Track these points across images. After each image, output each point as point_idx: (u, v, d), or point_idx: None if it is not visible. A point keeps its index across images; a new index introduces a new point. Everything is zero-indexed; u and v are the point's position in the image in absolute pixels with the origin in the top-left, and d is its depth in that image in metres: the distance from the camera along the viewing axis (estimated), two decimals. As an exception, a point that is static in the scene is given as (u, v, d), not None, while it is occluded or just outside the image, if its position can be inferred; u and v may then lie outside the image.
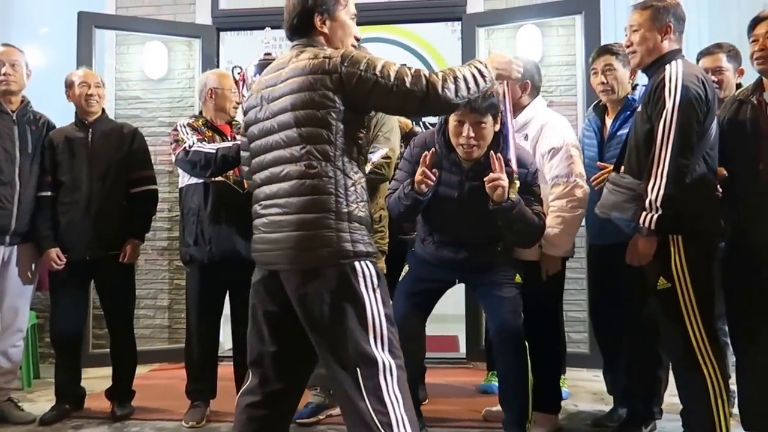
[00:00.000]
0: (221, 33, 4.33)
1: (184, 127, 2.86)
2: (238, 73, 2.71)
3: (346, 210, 1.75)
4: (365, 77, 1.73)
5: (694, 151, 2.11)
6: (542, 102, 2.84)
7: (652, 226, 2.11)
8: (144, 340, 3.88)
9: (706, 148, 2.17)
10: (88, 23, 4.00)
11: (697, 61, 2.88)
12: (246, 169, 2.11)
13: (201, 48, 4.21)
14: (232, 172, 2.83)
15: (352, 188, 1.77)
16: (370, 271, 1.76)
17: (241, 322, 2.84)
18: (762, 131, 2.26)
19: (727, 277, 2.40)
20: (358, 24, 1.95)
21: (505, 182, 2.29)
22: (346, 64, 1.74)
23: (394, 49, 4.63)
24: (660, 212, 2.09)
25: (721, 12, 4.17)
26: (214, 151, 2.74)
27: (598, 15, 3.80)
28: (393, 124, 2.74)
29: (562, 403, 2.87)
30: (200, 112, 3.05)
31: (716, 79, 2.73)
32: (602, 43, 3.69)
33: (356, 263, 1.74)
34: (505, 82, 2.22)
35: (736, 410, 2.49)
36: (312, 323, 1.74)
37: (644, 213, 2.12)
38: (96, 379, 3.35)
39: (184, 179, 2.94)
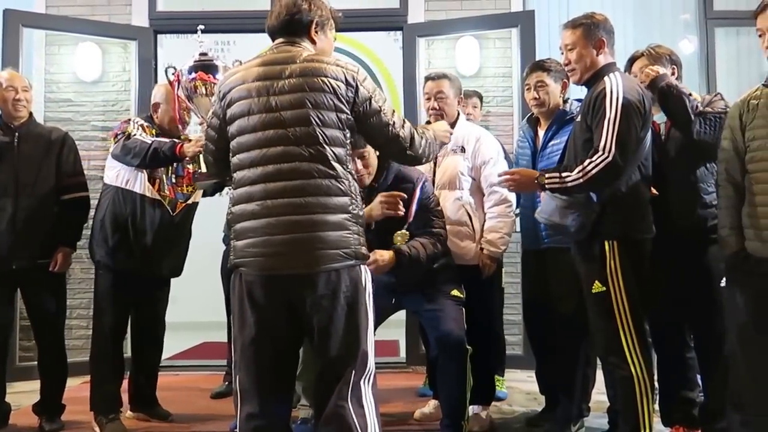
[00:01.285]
0: (159, 35, 4.24)
1: (137, 123, 2.83)
2: (173, 74, 2.69)
3: (357, 212, 1.80)
4: (374, 103, 1.84)
5: (630, 159, 2.20)
6: (463, 117, 3.03)
7: (545, 183, 2.28)
8: (77, 351, 3.75)
9: (641, 159, 2.28)
10: (14, 22, 3.84)
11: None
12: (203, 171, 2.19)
13: (137, 50, 4.11)
14: (169, 191, 2.83)
15: (356, 193, 1.82)
16: (368, 275, 1.84)
17: (143, 335, 2.97)
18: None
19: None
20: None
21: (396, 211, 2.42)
22: (363, 83, 1.83)
23: (338, 57, 4.65)
24: (565, 186, 2.22)
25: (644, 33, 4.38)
26: (149, 142, 2.72)
27: (533, 29, 3.94)
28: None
29: (498, 404, 2.98)
30: (149, 116, 2.98)
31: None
32: (537, 56, 3.86)
33: (362, 266, 1.81)
34: None
35: (656, 406, 2.63)
36: (324, 325, 1.74)
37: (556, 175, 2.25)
38: (23, 394, 3.23)
39: (116, 178, 2.83)
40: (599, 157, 2.15)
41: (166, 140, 2.76)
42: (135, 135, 2.75)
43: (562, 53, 2.41)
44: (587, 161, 2.17)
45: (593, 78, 2.33)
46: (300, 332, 1.83)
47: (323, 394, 1.77)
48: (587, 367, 2.79)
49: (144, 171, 2.79)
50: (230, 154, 1.86)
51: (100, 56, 4.16)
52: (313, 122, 1.75)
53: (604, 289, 2.25)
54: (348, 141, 1.82)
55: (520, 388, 3.57)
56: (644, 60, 2.56)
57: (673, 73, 2.52)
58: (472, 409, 2.82)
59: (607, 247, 2.25)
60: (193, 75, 2.58)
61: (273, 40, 1.93)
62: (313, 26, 1.89)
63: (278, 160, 1.74)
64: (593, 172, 2.15)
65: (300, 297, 1.74)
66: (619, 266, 2.24)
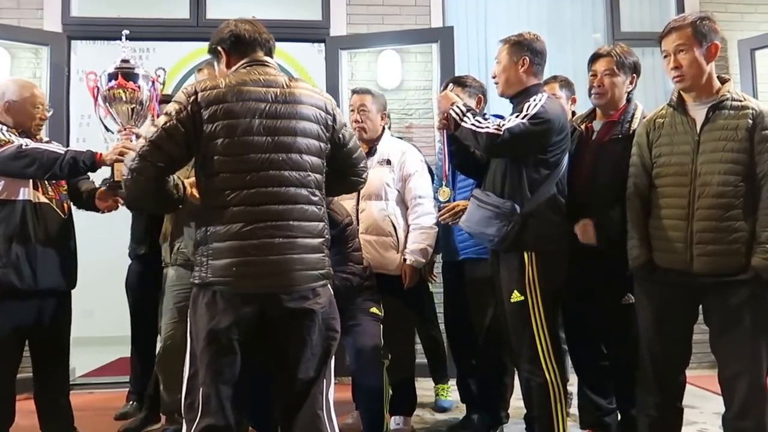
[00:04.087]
0: (73, 41, 4.07)
1: (2, 130, 2.55)
2: (92, 80, 2.58)
3: (328, 237, 1.91)
4: (348, 128, 2.00)
5: (537, 164, 2.30)
6: (388, 132, 3.12)
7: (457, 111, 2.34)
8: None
9: (559, 176, 2.37)
10: None
11: None
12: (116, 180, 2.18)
13: (49, 56, 3.93)
14: (53, 192, 2.63)
15: (326, 218, 1.92)
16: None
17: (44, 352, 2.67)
18: (587, 154, 2.53)
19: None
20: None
21: None
22: (336, 110, 1.96)
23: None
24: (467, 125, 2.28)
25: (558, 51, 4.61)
26: (61, 151, 2.49)
27: (452, 44, 4.06)
28: None
29: (421, 412, 3.07)
30: None
31: None
32: (456, 70, 4.01)
33: (329, 284, 1.92)
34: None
35: (574, 410, 2.79)
36: (304, 340, 1.84)
37: None
38: None
39: None
40: (504, 124, 2.23)
41: (81, 150, 2.60)
42: (21, 142, 2.50)
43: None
44: (496, 124, 2.24)
45: (518, 95, 2.41)
46: (268, 348, 1.88)
47: (293, 404, 1.86)
48: (505, 374, 2.89)
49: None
50: (205, 171, 1.81)
51: (9, 61, 3.94)
52: (302, 149, 1.82)
53: (522, 298, 2.32)
54: (324, 169, 1.91)
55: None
56: (608, 60, 2.52)
57: (631, 82, 2.52)
58: (393, 421, 2.89)
59: (526, 258, 2.32)
60: (113, 82, 2.51)
61: (226, 56, 1.93)
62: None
63: (265, 183, 1.77)
64: (491, 131, 2.22)
65: (277, 314, 1.81)
66: (537, 277, 2.31)
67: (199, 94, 1.79)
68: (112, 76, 2.52)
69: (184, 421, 1.83)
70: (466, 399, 3.10)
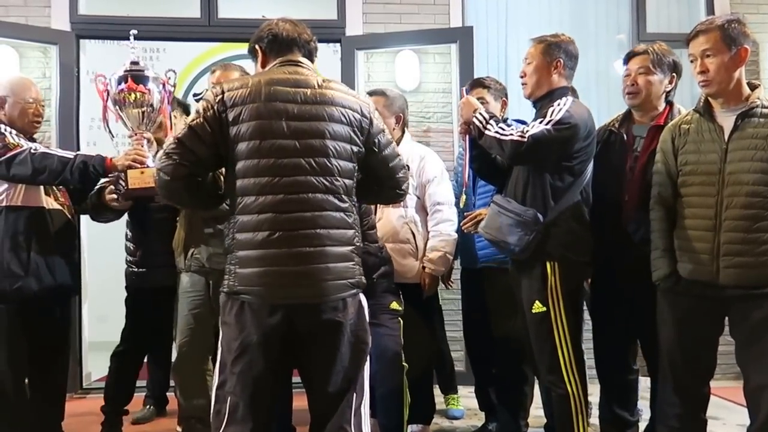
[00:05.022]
0: (81, 40, 3.99)
1: (11, 133, 2.48)
2: (102, 83, 2.54)
3: (359, 244, 1.85)
4: (387, 134, 1.89)
5: (536, 153, 2.21)
6: (409, 136, 3.02)
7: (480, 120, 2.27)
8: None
9: (583, 184, 2.30)
10: None
11: None
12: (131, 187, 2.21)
13: (58, 55, 3.85)
14: (63, 198, 2.60)
15: (358, 224, 1.86)
16: (365, 301, 1.88)
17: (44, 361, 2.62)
18: (628, 163, 2.41)
19: (595, 303, 2.56)
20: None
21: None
22: (374, 115, 1.87)
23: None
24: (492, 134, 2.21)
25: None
26: (71, 156, 2.45)
27: (471, 45, 3.96)
28: None
29: (438, 421, 3.03)
30: None
31: None
32: (475, 72, 3.89)
33: (361, 293, 1.85)
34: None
35: (594, 420, 2.70)
36: (329, 351, 1.77)
37: None
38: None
39: (5, 197, 2.47)
40: (528, 131, 2.16)
41: (91, 154, 2.54)
42: (30, 146, 2.44)
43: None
44: (527, 127, 2.19)
45: (544, 98, 2.34)
46: (295, 359, 1.83)
47: (322, 417, 1.81)
48: (525, 384, 2.81)
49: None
50: (228, 175, 1.78)
51: (17, 61, 3.88)
52: (330, 153, 1.74)
53: (544, 309, 2.27)
54: (356, 174, 1.82)
55: (462, 404, 3.54)
56: (643, 58, 2.41)
57: (671, 81, 2.42)
58: (410, 429, 2.81)
59: (548, 268, 2.26)
60: (123, 85, 2.46)
61: (263, 55, 1.87)
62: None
63: (291, 190, 1.71)
64: (516, 139, 2.15)
65: (306, 325, 1.75)
66: (560, 287, 2.26)
67: (226, 94, 1.74)
68: (121, 79, 2.47)
69: (211, 428, 1.81)
70: (485, 407, 3.05)
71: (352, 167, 1.81)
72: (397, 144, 2.86)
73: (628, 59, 2.49)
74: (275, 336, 1.73)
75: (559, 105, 2.22)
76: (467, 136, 2.40)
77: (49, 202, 2.56)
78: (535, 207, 2.26)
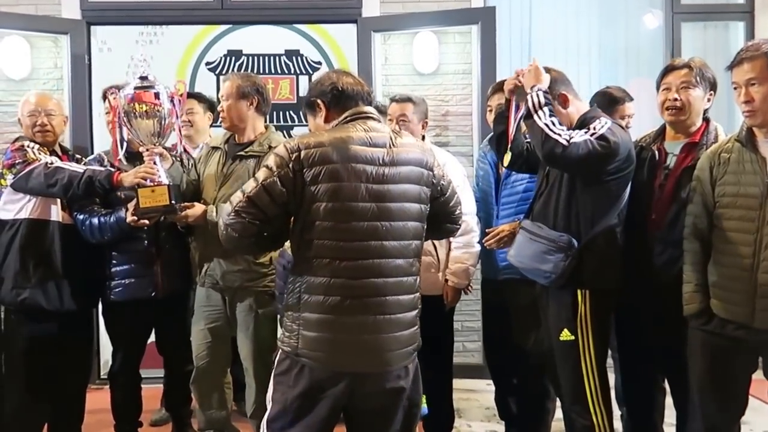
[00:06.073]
0: (92, 27, 3.89)
1: (32, 149, 2.55)
2: (113, 98, 2.52)
3: (420, 305, 1.83)
4: (447, 177, 1.89)
5: (600, 193, 2.17)
6: (428, 140, 2.92)
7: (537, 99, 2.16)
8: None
9: (620, 208, 2.22)
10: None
11: None
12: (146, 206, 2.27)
13: (69, 45, 3.78)
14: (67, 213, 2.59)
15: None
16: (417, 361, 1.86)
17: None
18: (658, 180, 2.30)
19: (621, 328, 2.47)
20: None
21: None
22: (436, 162, 1.85)
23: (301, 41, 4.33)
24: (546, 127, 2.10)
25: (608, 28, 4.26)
26: (81, 170, 2.48)
27: (493, 26, 3.78)
28: None
29: (457, 424, 3.02)
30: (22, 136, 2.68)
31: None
32: (498, 54, 3.73)
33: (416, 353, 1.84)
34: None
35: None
36: (389, 416, 1.78)
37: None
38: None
39: (22, 210, 2.54)
40: (584, 136, 2.09)
41: (99, 168, 2.56)
42: (47, 160, 2.50)
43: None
44: (576, 134, 2.10)
45: (578, 126, 2.23)
46: (348, 419, 1.85)
47: None
48: (548, 398, 2.78)
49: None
50: (299, 231, 1.74)
51: (28, 52, 3.80)
52: (406, 216, 1.73)
53: (573, 338, 2.22)
54: (424, 233, 1.82)
55: (479, 401, 3.59)
56: (687, 72, 2.26)
57: (709, 99, 2.29)
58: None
59: (579, 296, 2.21)
60: (132, 98, 2.43)
61: (326, 110, 1.83)
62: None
63: (365, 255, 1.69)
64: (577, 140, 2.07)
65: (367, 392, 1.75)
66: (590, 316, 2.20)
67: (302, 152, 1.68)
68: (131, 93, 2.42)
69: None
70: (504, 417, 3.03)
71: (422, 227, 1.80)
72: None
73: (666, 73, 2.33)
74: (335, 401, 1.72)
75: (600, 123, 2.14)
76: (513, 100, 2.29)
77: (65, 217, 2.59)
78: (569, 231, 2.19)
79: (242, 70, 4.02)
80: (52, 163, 2.50)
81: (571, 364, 2.24)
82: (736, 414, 2.14)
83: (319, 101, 1.84)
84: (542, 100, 2.14)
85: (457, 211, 1.96)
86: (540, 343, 2.48)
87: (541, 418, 2.80)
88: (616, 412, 2.47)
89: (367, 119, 1.78)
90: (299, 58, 4.41)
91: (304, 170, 1.67)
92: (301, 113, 4.43)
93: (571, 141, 2.07)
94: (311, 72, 4.44)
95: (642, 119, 3.19)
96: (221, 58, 4.10)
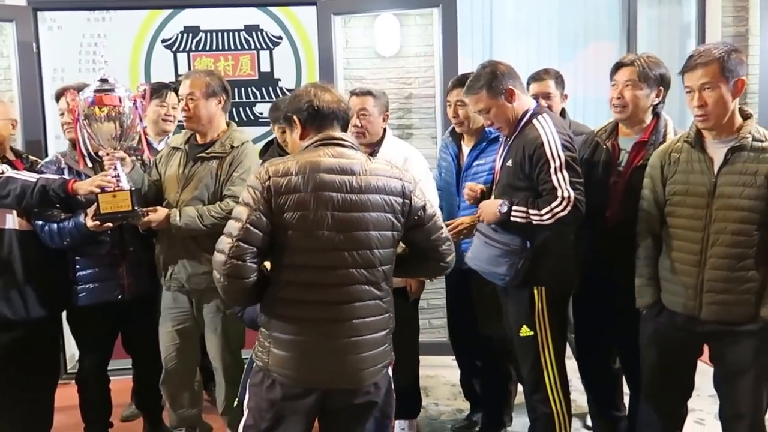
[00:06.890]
0: (38, 13, 3.72)
1: None
2: (71, 99, 2.46)
3: (393, 324, 1.87)
4: (429, 208, 1.85)
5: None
6: (390, 133, 2.90)
7: (511, 215, 2.24)
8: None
9: None
10: None
11: (528, 85, 2.95)
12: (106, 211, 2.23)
13: (15, 32, 3.61)
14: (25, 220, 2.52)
15: (392, 305, 1.87)
16: (390, 373, 1.91)
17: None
18: (612, 177, 2.37)
19: (578, 318, 2.61)
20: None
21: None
22: (414, 192, 1.82)
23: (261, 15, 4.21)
24: (529, 222, 2.20)
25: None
26: (33, 179, 2.42)
27: (454, 8, 3.74)
28: (250, 164, 2.57)
29: (424, 404, 3.14)
30: None
31: (546, 104, 2.82)
32: (458, 38, 3.72)
33: (389, 367, 1.89)
34: None
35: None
36: (360, 428, 1.86)
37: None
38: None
39: None
40: (561, 203, 2.15)
41: (53, 176, 2.49)
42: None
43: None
44: (554, 204, 2.16)
45: (519, 122, 2.29)
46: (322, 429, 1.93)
47: None
48: (510, 381, 2.92)
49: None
50: (276, 258, 1.78)
51: (-30, 41, 3.64)
52: (373, 244, 1.75)
53: (532, 333, 2.33)
54: (394, 258, 1.84)
55: (445, 378, 3.68)
56: (631, 70, 2.32)
57: (657, 95, 2.34)
58: (398, 425, 2.94)
59: (536, 294, 2.31)
60: (92, 101, 2.36)
61: (302, 127, 1.85)
62: None
63: (331, 282, 1.73)
64: (561, 214, 2.15)
65: (338, 406, 1.81)
66: (547, 312, 2.31)
67: (272, 180, 1.72)
68: (91, 96, 2.37)
69: None
70: (469, 397, 3.18)
71: (392, 252, 1.81)
72: (379, 144, 2.80)
73: (615, 69, 2.39)
74: (306, 414, 1.79)
75: (548, 135, 2.20)
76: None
77: (22, 224, 2.52)
78: (522, 232, 2.25)
79: (200, 47, 3.93)
80: (2, 173, 2.43)
81: (532, 358, 2.36)
82: (685, 397, 2.28)
83: (295, 117, 1.85)
84: (507, 212, 2.24)
85: (443, 247, 1.89)
86: (503, 330, 2.57)
87: (504, 399, 2.94)
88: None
89: (339, 146, 1.79)
90: (259, 33, 4.34)
91: (273, 198, 1.70)
92: (263, 89, 4.38)
93: (569, 196, 2.14)
94: (272, 47, 4.38)
95: (601, 83, 3.21)
96: (178, 34, 4.00)
